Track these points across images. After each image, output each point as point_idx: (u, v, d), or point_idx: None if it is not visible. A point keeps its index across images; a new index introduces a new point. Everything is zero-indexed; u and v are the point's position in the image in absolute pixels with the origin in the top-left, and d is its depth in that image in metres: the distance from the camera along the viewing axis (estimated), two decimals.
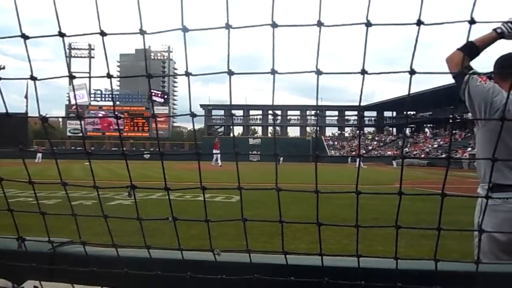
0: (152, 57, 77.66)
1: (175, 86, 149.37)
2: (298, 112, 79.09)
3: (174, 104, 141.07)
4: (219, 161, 31.27)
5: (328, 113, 75.57)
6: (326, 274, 1.09)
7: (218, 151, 33.76)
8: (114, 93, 69.38)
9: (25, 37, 0.81)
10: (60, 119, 66.44)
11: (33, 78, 0.84)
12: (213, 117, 78.60)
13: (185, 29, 0.80)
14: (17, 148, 1.10)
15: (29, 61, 0.83)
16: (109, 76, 0.84)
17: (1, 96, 0.85)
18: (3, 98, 0.86)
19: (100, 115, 65.84)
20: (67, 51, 70.23)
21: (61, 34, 0.81)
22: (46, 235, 1.23)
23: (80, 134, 64.84)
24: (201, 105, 75.01)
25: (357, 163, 0.90)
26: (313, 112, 73.23)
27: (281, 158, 35.67)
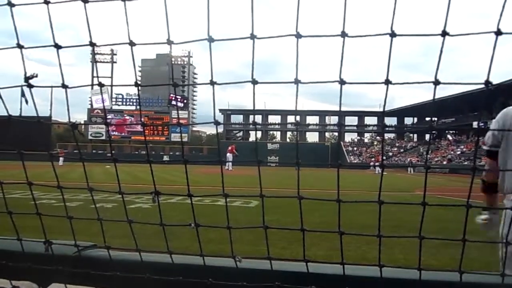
0: (173, 62, 78.64)
1: (194, 91, 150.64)
2: (317, 118, 78.77)
3: (193, 109, 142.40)
4: (230, 167, 30.95)
5: (348, 120, 75.01)
6: (347, 283, 1.08)
7: (231, 156, 33.46)
8: (135, 97, 70.20)
9: (58, 46, 0.84)
10: (82, 123, 67.74)
11: (64, 86, 0.87)
12: (232, 121, 78.95)
13: (210, 39, 0.82)
14: (44, 153, 1.13)
15: (61, 69, 0.86)
16: (136, 84, 0.86)
17: (33, 103, 0.89)
18: (35, 106, 0.89)
19: (124, 120, 67.10)
20: (90, 56, 71.69)
21: (92, 44, 0.84)
22: (68, 237, 1.25)
23: (102, 138, 65.95)
24: (220, 110, 75.38)
25: (377, 170, 0.88)
26: (332, 119, 72.77)
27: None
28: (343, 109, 0.91)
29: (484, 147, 2.79)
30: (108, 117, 66.34)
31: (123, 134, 69.84)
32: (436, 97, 0.86)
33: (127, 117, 68.51)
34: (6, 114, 0.95)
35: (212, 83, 0.86)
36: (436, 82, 0.79)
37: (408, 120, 77.05)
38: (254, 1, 0.78)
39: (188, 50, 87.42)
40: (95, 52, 70.14)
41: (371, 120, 78.12)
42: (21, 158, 1.05)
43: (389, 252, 5.46)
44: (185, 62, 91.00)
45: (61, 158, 32.67)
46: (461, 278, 0.99)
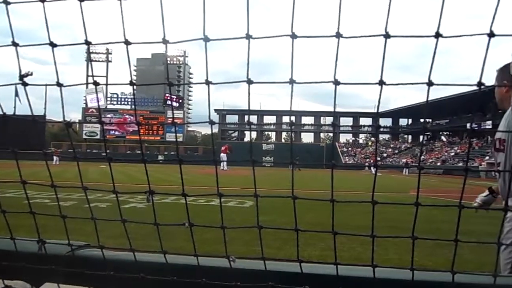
0: (168, 62, 78.57)
1: (190, 91, 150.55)
2: (312, 118, 78.93)
3: (188, 109, 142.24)
4: (225, 167, 30.91)
5: (342, 121, 75.28)
6: (341, 283, 1.09)
7: (225, 155, 33.46)
8: (130, 97, 70.03)
9: (53, 45, 0.83)
10: (77, 122, 67.42)
11: (59, 84, 0.86)
12: (227, 121, 78.96)
13: (206, 39, 0.82)
14: (39, 151, 1.13)
15: (56, 68, 0.85)
16: (131, 83, 0.86)
17: (27, 101, 0.88)
18: (29, 104, 0.89)
19: (116, 119, 66.89)
20: (85, 54, 71.41)
21: (87, 43, 0.83)
22: (61, 236, 1.25)
23: (96, 137, 65.67)
24: (216, 110, 75.27)
25: (373, 171, 0.90)
26: (327, 119, 73.05)
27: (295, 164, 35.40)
28: (338, 109, 0.91)
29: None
30: (107, 116, 66.29)
31: (121, 132, 69.59)
32: (431, 98, 0.86)
33: (127, 116, 68.30)
34: (0, 112, 0.94)
35: (207, 82, 0.86)
36: (430, 83, 0.80)
37: (402, 121, 77.44)
38: (249, 2, 0.78)
39: (184, 50, 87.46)
40: (91, 51, 69.87)
41: (366, 121, 78.45)
42: (15, 157, 1.04)
43: (384, 252, 5.49)
44: (181, 62, 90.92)
45: (55, 157, 32.48)
46: (453, 279, 0.99)
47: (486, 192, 2.86)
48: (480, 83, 0.77)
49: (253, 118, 75.91)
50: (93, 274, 1.19)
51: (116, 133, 69.78)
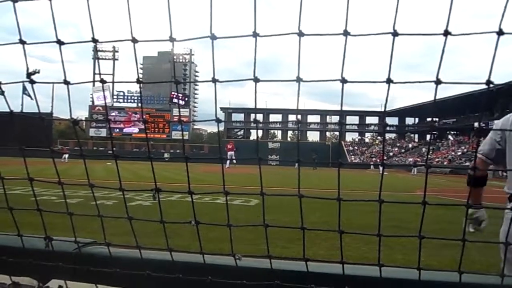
0: (175, 60, 78.35)
1: (195, 89, 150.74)
2: (318, 117, 78.72)
3: (194, 107, 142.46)
4: (228, 164, 30.86)
5: (349, 119, 74.99)
6: (347, 283, 1.08)
7: (232, 153, 33.58)
8: (136, 95, 70.22)
9: (60, 43, 0.84)
10: (84, 119, 67.78)
11: (66, 82, 0.87)
12: (233, 119, 78.97)
13: (213, 37, 0.82)
14: (46, 149, 1.13)
15: (63, 66, 0.86)
16: (138, 81, 0.86)
17: (35, 99, 0.89)
18: (36, 102, 0.89)
19: (123, 117, 67.20)
20: (92, 53, 71.68)
21: (94, 40, 0.84)
22: (68, 233, 1.25)
23: (103, 135, 65.97)
24: (222, 108, 75.21)
25: (381, 170, 0.90)
26: (333, 118, 72.87)
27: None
28: (344, 108, 0.91)
29: (478, 154, 2.65)
30: (112, 114, 66.59)
31: (125, 130, 69.88)
32: (437, 97, 0.86)
33: (133, 114, 68.43)
34: (7, 110, 0.95)
35: (214, 80, 0.86)
36: (438, 82, 0.79)
37: (409, 120, 76.97)
38: (256, 0, 0.78)
39: (190, 48, 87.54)
40: (98, 49, 70.01)
41: (372, 120, 78.11)
42: (22, 154, 1.05)
43: (389, 252, 5.46)
44: (187, 60, 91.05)
45: (65, 155, 32.70)
46: (460, 279, 0.99)
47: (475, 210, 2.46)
48: (489, 81, 0.76)
49: (259, 117, 75.84)
50: (100, 271, 1.19)
51: (124, 130, 70.08)
